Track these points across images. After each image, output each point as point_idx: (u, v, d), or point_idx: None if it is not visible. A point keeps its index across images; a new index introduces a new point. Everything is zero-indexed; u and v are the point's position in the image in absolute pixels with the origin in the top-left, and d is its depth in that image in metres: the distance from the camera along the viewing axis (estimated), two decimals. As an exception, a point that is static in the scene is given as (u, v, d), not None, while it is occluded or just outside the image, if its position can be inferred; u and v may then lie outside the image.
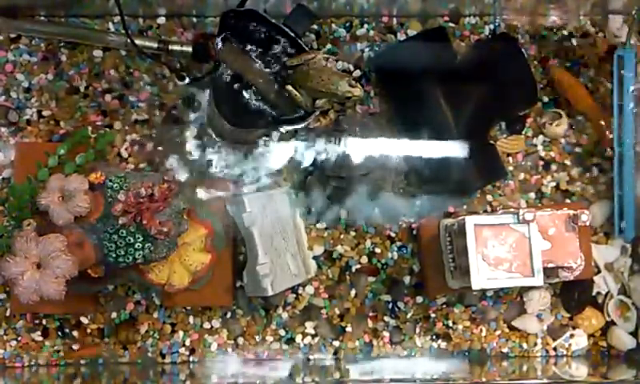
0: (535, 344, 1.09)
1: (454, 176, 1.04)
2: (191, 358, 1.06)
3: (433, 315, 1.08)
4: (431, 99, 1.03)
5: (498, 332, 1.08)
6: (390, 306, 1.07)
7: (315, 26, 1.09)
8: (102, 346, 1.05)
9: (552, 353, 1.09)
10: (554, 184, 1.10)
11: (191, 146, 1.06)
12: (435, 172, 1.04)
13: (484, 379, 0.99)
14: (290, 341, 1.07)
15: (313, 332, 1.07)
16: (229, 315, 1.06)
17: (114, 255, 0.87)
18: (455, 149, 1.03)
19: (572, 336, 1.09)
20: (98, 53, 1.08)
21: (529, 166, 1.10)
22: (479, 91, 1.03)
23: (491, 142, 1.08)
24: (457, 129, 1.02)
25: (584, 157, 1.11)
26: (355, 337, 1.07)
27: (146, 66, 1.08)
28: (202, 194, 1.04)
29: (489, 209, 1.09)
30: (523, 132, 1.10)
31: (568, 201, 1.10)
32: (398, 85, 1.06)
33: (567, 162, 1.11)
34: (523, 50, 1.07)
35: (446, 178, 1.04)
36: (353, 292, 1.07)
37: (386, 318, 1.07)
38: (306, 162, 1.07)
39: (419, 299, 1.07)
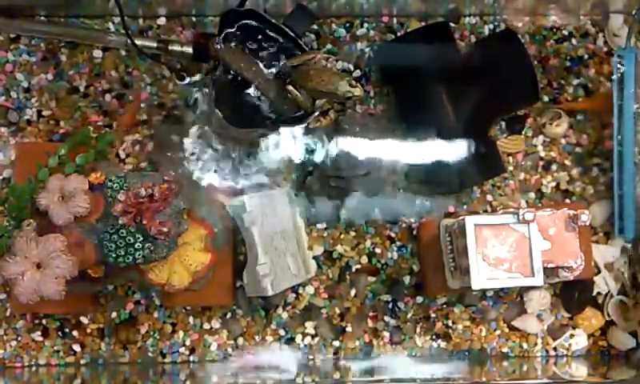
0: (535, 344, 1.09)
1: (454, 172, 1.04)
2: (191, 358, 1.06)
3: (433, 315, 1.08)
4: (433, 94, 1.03)
5: (497, 332, 1.08)
6: (390, 306, 1.07)
7: (315, 26, 1.09)
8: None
9: (552, 353, 1.09)
10: (554, 184, 1.10)
11: (191, 145, 1.06)
12: (435, 168, 1.04)
13: (484, 379, 0.99)
14: (290, 341, 1.07)
15: (313, 332, 1.07)
16: (229, 315, 1.06)
17: (114, 255, 0.87)
18: (455, 144, 1.03)
19: (572, 336, 1.09)
20: (97, 53, 1.08)
21: (529, 166, 1.10)
22: (481, 87, 1.03)
23: (491, 137, 1.08)
24: (458, 124, 1.02)
25: (584, 157, 1.11)
26: (355, 337, 1.07)
27: (145, 66, 1.08)
28: (201, 194, 1.05)
29: (489, 209, 1.09)
30: (523, 132, 1.10)
31: (568, 201, 1.10)
32: (400, 79, 1.06)
33: (567, 162, 1.11)
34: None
35: (446, 174, 1.04)
36: (353, 292, 1.07)
37: (386, 318, 1.07)
38: (306, 162, 1.07)
39: (419, 299, 1.07)
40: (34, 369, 1.04)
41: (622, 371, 1.03)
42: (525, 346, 1.08)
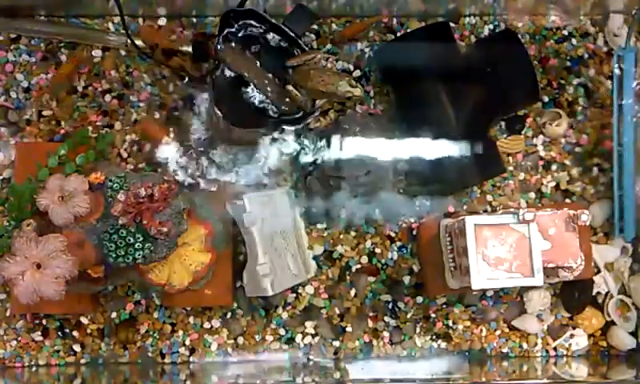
0: (535, 344, 1.09)
1: (454, 172, 1.04)
2: (191, 358, 1.06)
3: (433, 315, 1.08)
4: (433, 94, 1.03)
5: (498, 332, 1.08)
6: (390, 305, 1.07)
7: (315, 26, 1.09)
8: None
9: (552, 353, 1.09)
10: (553, 184, 1.10)
11: (191, 145, 1.06)
12: (435, 168, 1.04)
13: (484, 379, 0.99)
14: (290, 341, 1.07)
15: (313, 332, 1.07)
16: (229, 315, 1.06)
17: (114, 255, 0.87)
18: (455, 144, 1.03)
19: (572, 336, 1.09)
20: (97, 53, 1.08)
21: (529, 166, 1.10)
22: (481, 87, 1.03)
23: (491, 137, 1.08)
24: (458, 124, 1.02)
25: (584, 157, 1.11)
26: (355, 337, 1.07)
27: (145, 66, 1.08)
28: (201, 194, 1.05)
29: (489, 209, 1.09)
30: (523, 132, 1.10)
31: (568, 201, 1.10)
32: (400, 79, 1.06)
33: (567, 162, 1.11)
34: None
35: (446, 174, 1.04)
36: (353, 292, 1.07)
37: (386, 318, 1.07)
38: (306, 162, 1.07)
39: (419, 299, 1.07)
40: (34, 369, 1.04)
41: (622, 371, 1.03)
42: (525, 346, 1.08)
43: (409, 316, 1.07)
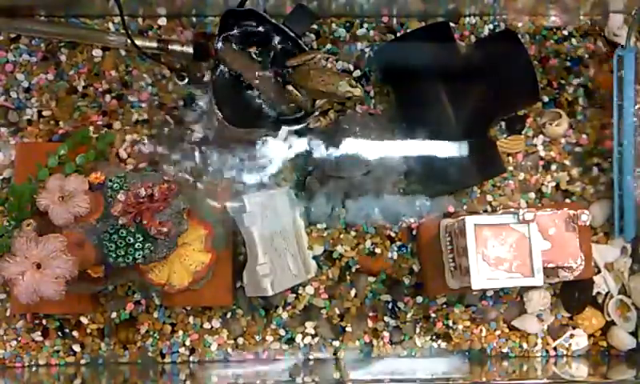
0: (535, 344, 1.09)
1: (454, 172, 1.04)
2: (191, 358, 1.06)
3: (433, 315, 1.08)
4: (433, 94, 1.03)
5: (497, 332, 1.08)
6: (390, 305, 1.07)
7: (315, 26, 1.09)
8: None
9: (552, 353, 1.09)
10: (553, 184, 1.10)
11: (191, 145, 1.06)
12: (435, 168, 1.04)
13: (484, 379, 0.99)
14: (290, 341, 1.07)
15: (313, 332, 1.07)
16: (229, 315, 1.06)
17: (114, 255, 0.87)
18: (455, 145, 1.03)
19: (572, 336, 1.09)
20: (97, 53, 1.08)
21: (529, 166, 1.10)
22: (481, 87, 1.03)
23: (491, 137, 1.08)
24: (458, 124, 1.02)
25: (584, 157, 1.11)
26: (355, 337, 1.07)
27: (146, 66, 1.08)
28: (202, 194, 1.05)
29: (489, 209, 1.09)
30: (523, 132, 1.10)
31: (568, 201, 1.10)
32: (400, 79, 1.06)
33: (567, 162, 1.11)
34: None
35: (446, 174, 1.04)
36: (353, 292, 1.07)
37: (386, 318, 1.07)
38: (306, 162, 1.07)
39: (419, 299, 1.07)
40: (34, 369, 1.04)
41: (622, 371, 1.03)
42: (525, 346, 1.08)
43: (409, 316, 1.07)
